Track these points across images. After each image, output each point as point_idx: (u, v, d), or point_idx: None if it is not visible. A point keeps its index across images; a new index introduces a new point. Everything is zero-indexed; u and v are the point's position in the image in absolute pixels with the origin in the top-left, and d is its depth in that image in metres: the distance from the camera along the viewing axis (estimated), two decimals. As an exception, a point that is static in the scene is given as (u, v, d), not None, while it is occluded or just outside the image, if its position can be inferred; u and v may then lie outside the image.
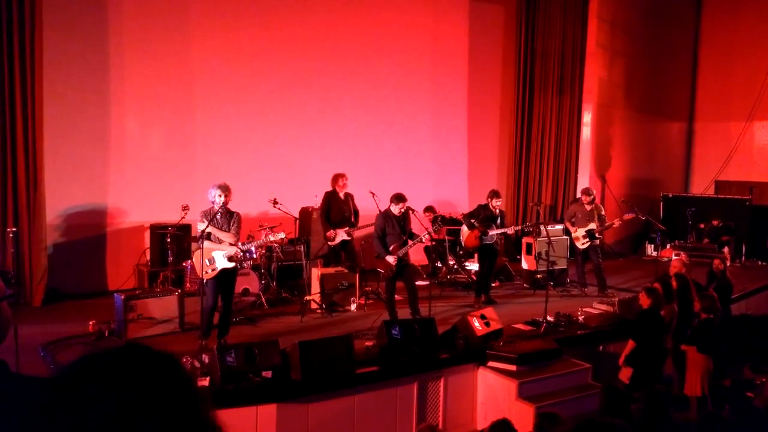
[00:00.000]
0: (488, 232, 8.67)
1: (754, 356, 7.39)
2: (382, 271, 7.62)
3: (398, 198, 7.55)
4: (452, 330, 6.80)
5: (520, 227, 9.80)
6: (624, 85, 14.29)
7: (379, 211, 8.02)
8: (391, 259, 7.38)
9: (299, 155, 10.34)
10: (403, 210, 7.52)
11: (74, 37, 8.56)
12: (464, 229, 9.14)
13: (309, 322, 7.62)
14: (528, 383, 6.45)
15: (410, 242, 7.50)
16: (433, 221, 8.05)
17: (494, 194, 8.93)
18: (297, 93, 10.38)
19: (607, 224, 9.49)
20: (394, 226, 7.50)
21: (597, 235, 9.38)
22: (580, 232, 9.41)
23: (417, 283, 7.83)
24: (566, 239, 10.18)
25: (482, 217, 8.79)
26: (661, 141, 15.59)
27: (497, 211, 8.84)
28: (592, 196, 9.57)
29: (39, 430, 0.99)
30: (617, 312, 8.16)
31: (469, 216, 9.04)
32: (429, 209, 10.59)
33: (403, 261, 7.44)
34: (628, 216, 9.60)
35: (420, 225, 7.98)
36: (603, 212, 9.62)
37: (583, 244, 9.40)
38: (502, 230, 8.87)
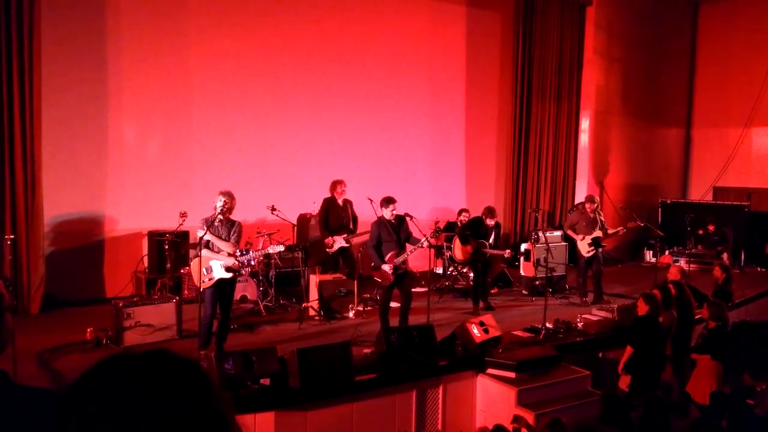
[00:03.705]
0: (482, 250, 8.61)
1: (754, 363, 7.36)
2: (380, 281, 7.44)
3: (387, 201, 7.24)
4: (451, 337, 6.78)
5: (513, 253, 9.52)
6: (621, 92, 14.32)
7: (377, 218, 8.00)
8: (387, 268, 7.13)
9: (297, 162, 10.34)
10: (394, 212, 7.19)
11: (72, 44, 8.56)
12: (456, 241, 9.04)
13: (307, 329, 7.59)
14: (527, 390, 6.42)
15: (409, 249, 7.19)
16: (435, 231, 7.79)
17: (490, 214, 8.76)
18: (295, 100, 10.38)
19: (611, 232, 9.40)
20: (390, 233, 7.19)
21: (602, 243, 9.32)
22: (587, 240, 9.29)
23: (415, 290, 7.77)
24: (565, 246, 10.17)
25: (477, 231, 8.73)
26: (658, 147, 15.61)
27: (492, 224, 8.79)
28: (596, 204, 9.52)
29: None
30: (616, 319, 8.15)
31: (463, 229, 8.98)
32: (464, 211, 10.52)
33: (400, 269, 7.16)
34: (632, 224, 9.56)
35: (420, 232, 7.84)
36: (602, 218, 9.56)
37: (588, 252, 9.25)
38: (498, 252, 8.80)
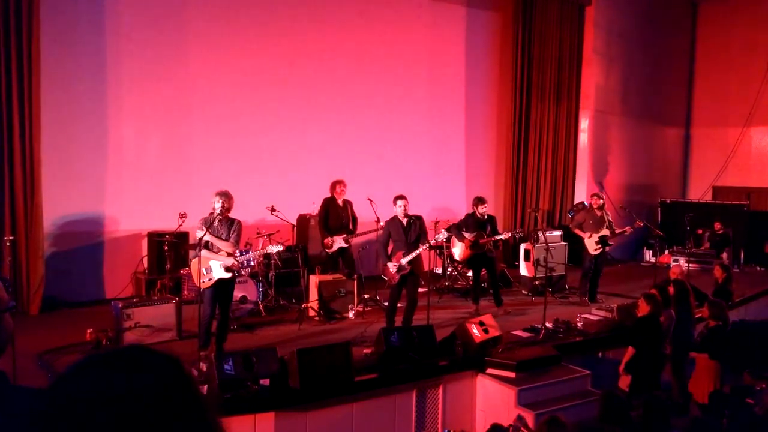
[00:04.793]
0: (480, 241, 8.57)
1: (753, 362, 7.37)
2: (387, 279, 7.40)
3: (395, 198, 7.26)
4: (451, 337, 6.78)
5: (512, 233, 9.50)
6: (621, 92, 14.33)
7: (377, 218, 8.00)
8: (390, 266, 7.18)
9: (297, 162, 10.34)
10: (402, 208, 7.15)
11: (71, 45, 8.56)
12: (455, 241, 8.98)
13: (307, 330, 7.59)
14: (527, 390, 6.42)
15: (415, 251, 7.11)
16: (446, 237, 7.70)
17: (479, 201, 8.72)
18: (295, 101, 10.38)
19: (618, 231, 9.40)
20: (399, 234, 7.17)
21: (609, 242, 9.30)
22: (594, 237, 9.23)
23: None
24: (564, 245, 10.17)
25: (470, 225, 8.71)
26: (658, 147, 15.63)
27: (485, 216, 8.73)
28: (602, 200, 9.50)
29: None
30: (616, 318, 8.15)
31: (457, 227, 8.91)
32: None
33: (404, 269, 7.11)
34: (639, 223, 9.52)
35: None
36: (610, 217, 9.53)
37: (595, 250, 9.22)
38: (497, 237, 8.75)
